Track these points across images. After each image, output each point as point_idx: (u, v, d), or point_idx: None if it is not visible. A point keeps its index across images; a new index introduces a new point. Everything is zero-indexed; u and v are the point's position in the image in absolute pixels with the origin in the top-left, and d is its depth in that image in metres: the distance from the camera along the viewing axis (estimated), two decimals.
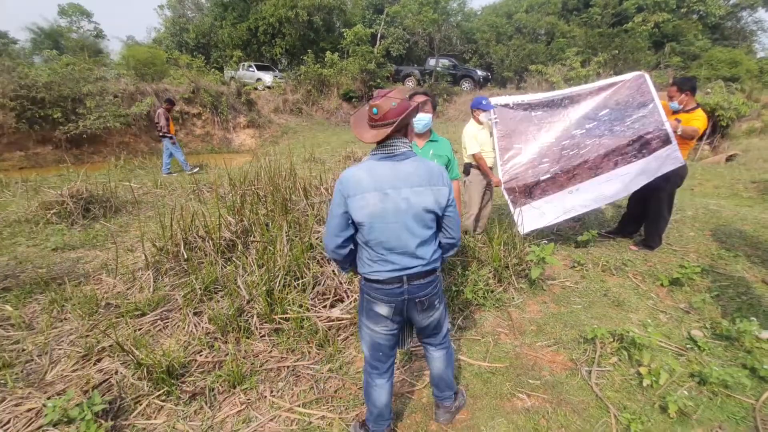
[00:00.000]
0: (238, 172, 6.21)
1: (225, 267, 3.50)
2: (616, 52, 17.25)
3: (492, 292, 3.42)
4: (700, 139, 12.75)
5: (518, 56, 21.90)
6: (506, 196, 4.22)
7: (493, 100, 4.22)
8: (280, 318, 2.93)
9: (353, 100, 18.71)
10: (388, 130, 1.65)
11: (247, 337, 2.85)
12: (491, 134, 4.19)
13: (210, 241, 3.72)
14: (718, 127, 13.49)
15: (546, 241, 4.03)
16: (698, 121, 3.79)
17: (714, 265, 3.93)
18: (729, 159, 10.84)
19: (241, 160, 10.98)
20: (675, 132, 3.71)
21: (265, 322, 2.94)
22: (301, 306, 3.00)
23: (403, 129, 1.73)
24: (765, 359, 2.56)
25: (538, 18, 24.36)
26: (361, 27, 19.76)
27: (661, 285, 3.61)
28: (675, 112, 3.91)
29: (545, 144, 4.24)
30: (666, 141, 3.71)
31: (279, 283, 3.11)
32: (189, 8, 28.41)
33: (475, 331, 3.00)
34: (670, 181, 3.86)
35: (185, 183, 7.21)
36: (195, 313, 3.03)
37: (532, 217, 4.05)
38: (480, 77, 19.13)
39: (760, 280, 3.65)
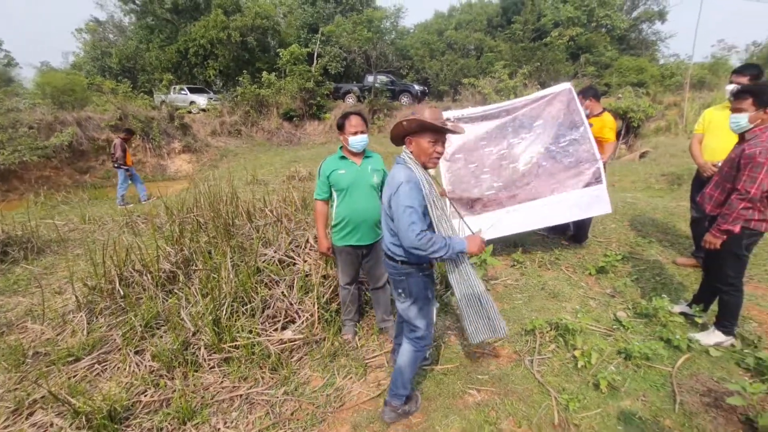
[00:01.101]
0: (176, 200, 5.97)
1: (166, 300, 3.35)
2: (539, 64, 18.67)
3: (440, 297, 3.56)
4: (617, 139, 14.15)
5: (451, 70, 23.05)
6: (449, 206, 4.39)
7: None
8: (230, 346, 2.85)
9: (294, 119, 18.58)
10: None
11: (195, 371, 2.74)
12: None
13: (148, 275, 3.55)
14: (631, 128, 15.01)
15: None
16: (608, 129, 4.27)
17: (633, 251, 4.36)
18: (642, 156, 12.06)
19: (178, 187, 10.52)
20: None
21: (214, 353, 2.85)
22: (251, 331, 2.95)
23: (407, 141, 2.07)
24: (677, 330, 2.89)
25: (466, 34, 25.81)
26: (297, 46, 19.73)
27: (590, 274, 3.95)
28: (586, 117, 4.35)
29: (485, 153, 4.45)
30: (598, 179, 3.95)
31: (226, 311, 3.03)
32: (110, 31, 26.88)
33: None
34: None
35: (116, 216, 6.78)
36: (136, 352, 2.87)
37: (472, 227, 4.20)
38: (417, 92, 19.78)
39: (671, 261, 4.11)
